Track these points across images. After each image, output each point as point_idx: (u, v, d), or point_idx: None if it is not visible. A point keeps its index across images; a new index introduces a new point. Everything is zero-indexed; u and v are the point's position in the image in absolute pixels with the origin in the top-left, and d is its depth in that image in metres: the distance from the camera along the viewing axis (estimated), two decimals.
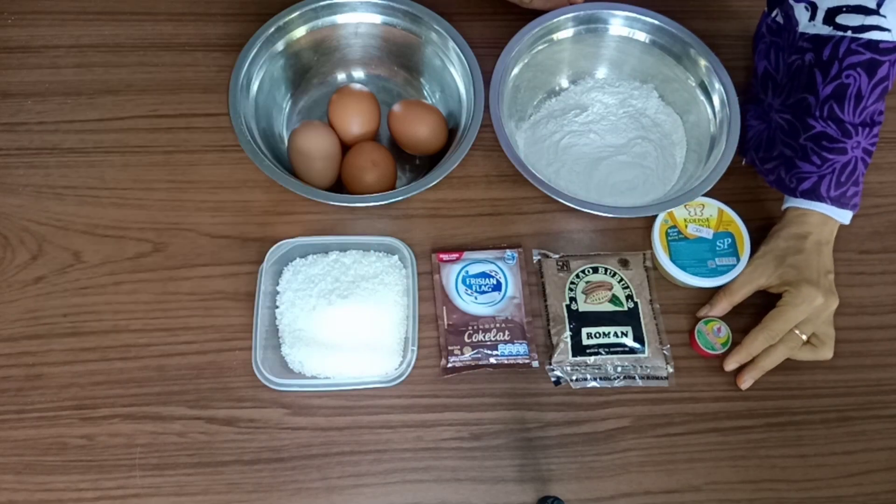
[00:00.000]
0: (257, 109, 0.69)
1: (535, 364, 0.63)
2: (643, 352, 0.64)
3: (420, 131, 0.69)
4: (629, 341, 0.64)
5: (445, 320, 0.64)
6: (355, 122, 0.69)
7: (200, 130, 0.72)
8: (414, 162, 0.73)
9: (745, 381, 0.63)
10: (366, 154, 0.68)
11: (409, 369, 0.60)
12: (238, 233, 0.67)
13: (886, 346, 0.67)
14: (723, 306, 0.65)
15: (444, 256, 0.67)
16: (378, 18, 0.73)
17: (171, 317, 0.64)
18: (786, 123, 0.65)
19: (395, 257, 0.65)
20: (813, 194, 0.63)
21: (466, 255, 0.67)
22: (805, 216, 0.64)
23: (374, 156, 0.68)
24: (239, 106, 0.66)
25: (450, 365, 0.63)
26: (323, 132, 0.68)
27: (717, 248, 0.66)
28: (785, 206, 0.66)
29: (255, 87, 0.69)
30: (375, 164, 0.67)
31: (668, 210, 0.67)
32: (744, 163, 0.71)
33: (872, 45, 0.59)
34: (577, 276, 0.66)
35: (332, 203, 0.64)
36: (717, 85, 0.70)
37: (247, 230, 0.67)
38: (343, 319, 0.61)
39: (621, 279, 0.66)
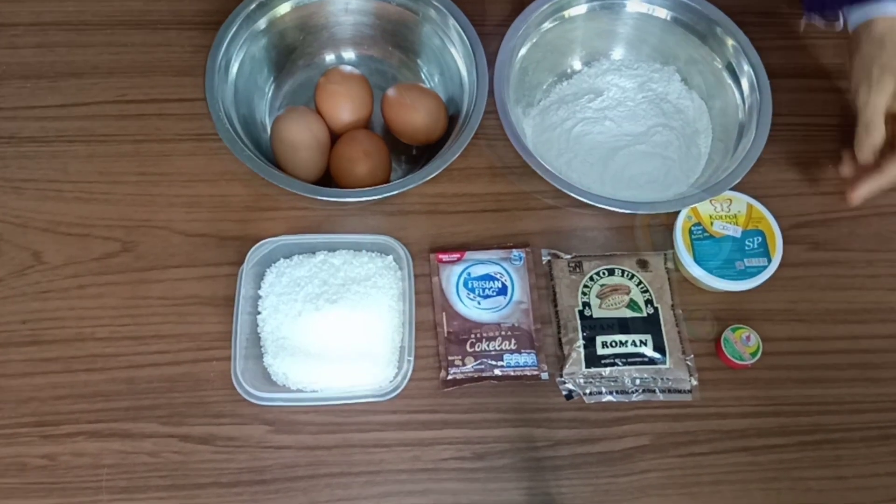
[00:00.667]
0: (237, 94, 0.69)
1: (545, 376, 0.63)
2: (664, 362, 0.63)
3: (417, 118, 0.69)
4: (648, 351, 0.64)
5: (445, 327, 0.64)
6: (345, 108, 0.69)
7: (174, 117, 0.72)
8: (410, 152, 0.73)
9: (859, 192, 0.64)
10: (357, 144, 0.68)
11: (405, 382, 0.60)
12: (215, 231, 0.67)
13: None
14: (872, 140, 0.64)
15: (444, 257, 0.67)
16: None
17: (142, 324, 0.64)
18: None
19: (390, 258, 0.65)
20: None
21: (468, 255, 0.67)
22: (873, 25, 0.64)
23: (367, 145, 0.68)
24: (216, 90, 0.66)
25: (450, 377, 0.63)
26: (309, 119, 0.68)
27: (746, 248, 0.66)
28: (852, 27, 0.67)
29: (234, 69, 0.69)
30: (368, 154, 0.67)
31: (692, 206, 0.67)
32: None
33: None
34: (591, 278, 0.66)
35: (319, 198, 0.64)
36: (746, 67, 0.70)
37: (225, 228, 0.68)
38: (332, 327, 0.61)
39: (640, 282, 0.66)
